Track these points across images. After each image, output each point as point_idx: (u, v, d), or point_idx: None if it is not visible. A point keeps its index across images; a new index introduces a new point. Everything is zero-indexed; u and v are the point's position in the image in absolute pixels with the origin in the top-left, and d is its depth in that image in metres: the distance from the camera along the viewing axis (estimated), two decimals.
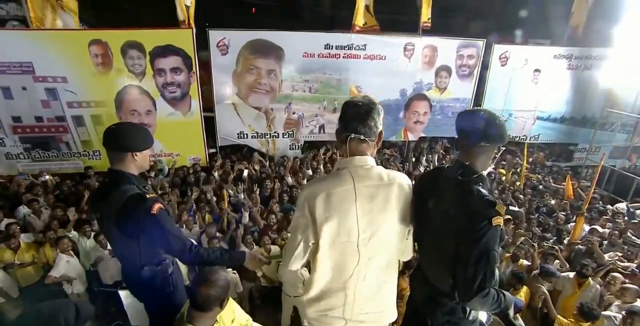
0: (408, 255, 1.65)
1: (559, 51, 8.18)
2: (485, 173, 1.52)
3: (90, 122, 6.34)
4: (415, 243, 1.65)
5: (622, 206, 6.47)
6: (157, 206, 1.68)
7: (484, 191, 1.44)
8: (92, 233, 4.46)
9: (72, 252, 4.14)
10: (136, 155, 1.76)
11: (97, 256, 4.25)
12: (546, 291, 3.70)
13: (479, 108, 1.52)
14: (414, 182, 1.56)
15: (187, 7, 6.27)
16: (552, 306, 3.55)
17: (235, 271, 4.03)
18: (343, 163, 1.43)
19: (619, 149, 8.74)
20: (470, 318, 1.58)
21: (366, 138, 1.40)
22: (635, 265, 4.06)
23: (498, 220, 1.36)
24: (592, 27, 8.15)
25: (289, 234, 1.68)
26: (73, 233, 4.45)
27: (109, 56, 6.04)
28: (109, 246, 4.22)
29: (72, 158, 6.57)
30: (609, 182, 8.14)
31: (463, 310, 1.57)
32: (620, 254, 4.38)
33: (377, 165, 1.46)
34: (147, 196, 1.70)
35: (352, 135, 1.39)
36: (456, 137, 1.54)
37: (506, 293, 1.53)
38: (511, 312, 1.62)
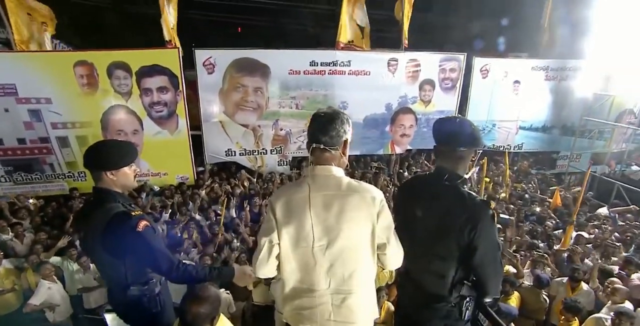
0: (393, 265, 1.60)
1: (536, 63, 8.48)
2: (467, 176, 1.57)
3: (75, 142, 6.27)
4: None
5: (604, 211, 6.63)
6: (142, 223, 1.66)
7: (473, 193, 1.51)
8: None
9: (55, 278, 4.00)
10: (112, 173, 1.72)
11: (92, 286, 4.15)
12: (547, 302, 3.74)
13: (452, 115, 1.60)
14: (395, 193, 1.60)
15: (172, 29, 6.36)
16: None
17: (228, 292, 3.96)
18: (306, 172, 1.50)
19: (599, 156, 8.99)
20: (466, 318, 1.60)
21: (327, 148, 1.42)
22: (617, 267, 4.15)
23: (494, 216, 1.47)
24: (564, 40, 8.52)
25: None
26: (56, 259, 4.32)
27: (95, 77, 6.04)
28: (91, 268, 4.11)
29: (56, 180, 6.44)
30: (591, 187, 8.34)
31: (459, 312, 1.59)
32: (597, 256, 4.47)
33: (345, 175, 1.48)
34: (133, 214, 1.67)
35: (314, 145, 1.43)
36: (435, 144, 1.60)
37: None
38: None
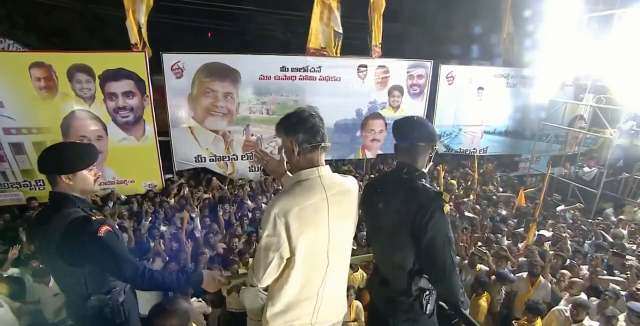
0: None
1: (497, 71, 8.97)
2: (425, 170, 1.65)
3: (32, 149, 5.88)
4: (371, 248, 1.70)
5: (560, 209, 7.07)
6: (104, 228, 1.58)
7: (428, 185, 1.58)
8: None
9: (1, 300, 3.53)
10: (69, 177, 1.62)
11: None
12: (503, 295, 3.87)
13: (411, 115, 1.67)
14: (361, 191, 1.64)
15: (140, 28, 6.17)
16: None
17: (200, 300, 3.87)
18: (306, 175, 1.39)
19: (556, 158, 9.56)
20: (427, 312, 1.65)
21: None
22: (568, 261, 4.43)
23: (446, 208, 1.51)
24: (522, 50, 9.05)
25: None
26: (14, 270, 3.99)
27: (54, 80, 5.74)
28: (51, 283, 3.84)
29: (10, 190, 6.04)
30: (550, 188, 8.84)
31: (420, 305, 1.64)
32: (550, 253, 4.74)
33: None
34: (94, 218, 1.60)
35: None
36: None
37: None
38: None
